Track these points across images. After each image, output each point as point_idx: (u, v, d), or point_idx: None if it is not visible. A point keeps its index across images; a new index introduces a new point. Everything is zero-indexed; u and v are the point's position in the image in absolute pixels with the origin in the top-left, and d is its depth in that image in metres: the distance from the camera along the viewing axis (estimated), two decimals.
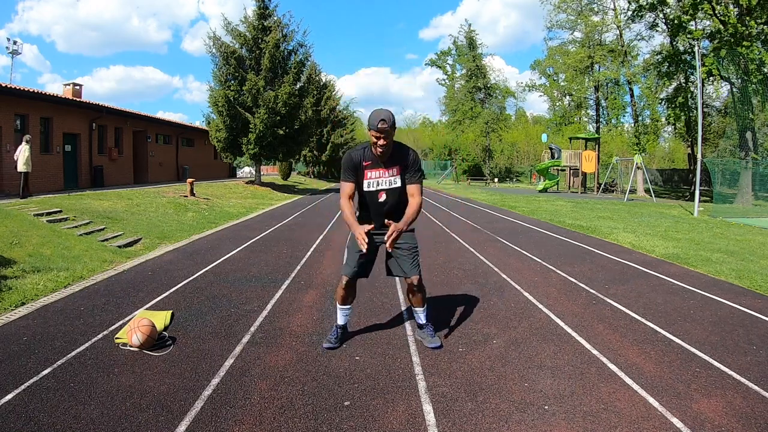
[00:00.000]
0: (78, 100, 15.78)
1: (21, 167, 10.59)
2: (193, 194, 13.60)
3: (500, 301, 4.27)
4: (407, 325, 3.58)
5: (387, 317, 3.79)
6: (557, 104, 36.13)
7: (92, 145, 15.97)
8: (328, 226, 9.56)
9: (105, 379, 2.64)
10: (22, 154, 10.63)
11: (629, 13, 22.42)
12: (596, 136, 27.19)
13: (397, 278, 3.83)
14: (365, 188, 3.04)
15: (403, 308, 4.00)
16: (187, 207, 11.62)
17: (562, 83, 33.65)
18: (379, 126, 2.79)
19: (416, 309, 3.21)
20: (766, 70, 16.44)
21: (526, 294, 4.52)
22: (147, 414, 2.28)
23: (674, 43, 22.26)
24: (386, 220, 2.92)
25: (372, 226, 2.94)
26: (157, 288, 4.62)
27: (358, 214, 3.12)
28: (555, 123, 34.67)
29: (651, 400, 2.45)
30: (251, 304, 4.12)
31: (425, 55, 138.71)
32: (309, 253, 6.52)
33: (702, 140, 14.58)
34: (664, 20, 22.55)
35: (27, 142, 10.79)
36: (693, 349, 3.14)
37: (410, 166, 3.00)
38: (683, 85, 22.20)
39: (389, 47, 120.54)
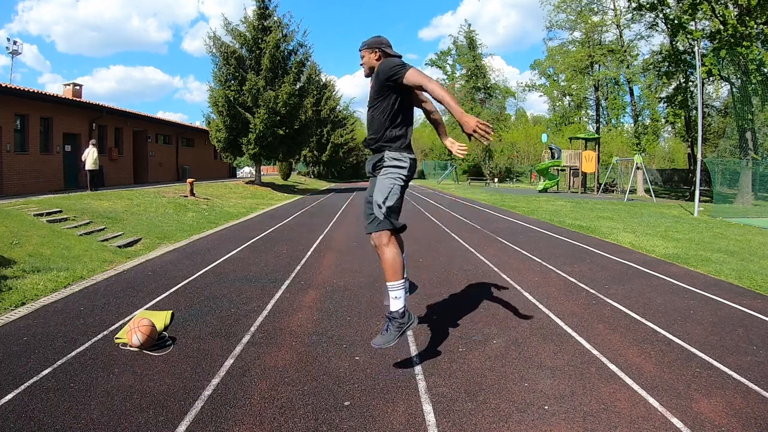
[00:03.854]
0: (78, 100, 15.80)
1: (90, 166, 12.69)
2: (193, 194, 13.60)
3: (500, 301, 4.27)
4: None
5: None
6: (557, 104, 36.12)
7: None
8: (329, 226, 9.56)
9: (105, 379, 2.64)
10: (90, 156, 12.70)
11: (629, 13, 22.44)
12: (596, 136, 27.15)
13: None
14: None
15: None
16: (187, 207, 11.63)
17: (562, 83, 33.64)
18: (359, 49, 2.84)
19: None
20: (765, 70, 16.43)
21: (526, 294, 4.52)
22: (147, 414, 2.28)
23: (674, 43, 22.25)
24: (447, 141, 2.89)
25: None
26: (157, 288, 4.62)
27: None
28: (555, 123, 34.62)
29: (651, 400, 2.45)
30: (251, 304, 4.12)
31: (425, 55, 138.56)
32: (309, 253, 6.52)
33: (702, 140, 14.57)
34: (663, 20, 22.54)
35: (94, 145, 13.01)
36: (693, 349, 3.14)
37: (379, 75, 2.66)
38: (683, 84, 22.19)
39: None
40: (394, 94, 2.68)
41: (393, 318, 2.62)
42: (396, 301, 2.61)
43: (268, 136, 19.95)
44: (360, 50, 2.83)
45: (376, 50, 2.77)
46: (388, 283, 2.63)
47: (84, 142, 15.57)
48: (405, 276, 2.72)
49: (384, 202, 2.65)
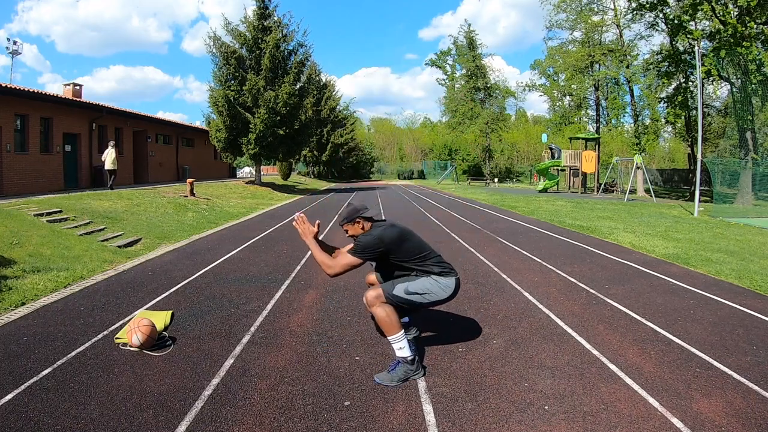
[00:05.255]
0: (78, 100, 15.78)
1: (108, 166, 13.17)
2: (193, 194, 13.60)
3: (500, 301, 4.27)
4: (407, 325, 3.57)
5: None
6: (557, 104, 36.07)
7: (92, 145, 15.97)
8: (329, 226, 9.55)
9: (105, 379, 2.65)
10: (109, 156, 13.16)
11: (629, 13, 22.45)
12: (596, 136, 27.15)
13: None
14: None
15: None
16: (187, 207, 11.62)
17: (562, 83, 33.62)
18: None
19: None
20: (765, 70, 16.42)
21: (526, 294, 4.52)
22: (147, 414, 2.28)
23: (674, 43, 22.25)
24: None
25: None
26: (157, 288, 4.62)
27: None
28: (555, 123, 34.57)
29: (651, 400, 2.45)
30: (251, 304, 4.12)
31: (425, 55, 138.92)
32: (309, 253, 6.52)
33: (702, 140, 14.57)
34: (663, 20, 22.54)
35: (113, 146, 13.45)
36: (693, 349, 3.14)
37: None
38: (683, 84, 22.19)
39: (389, 47, 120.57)
40: (385, 255, 2.79)
41: (403, 363, 2.69)
42: (401, 350, 2.69)
43: (268, 136, 19.95)
44: (342, 226, 2.91)
45: (357, 221, 2.86)
46: (388, 338, 2.71)
47: (84, 142, 15.60)
48: (403, 328, 2.78)
49: (414, 293, 2.75)
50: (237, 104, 19.69)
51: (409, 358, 2.68)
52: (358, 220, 2.86)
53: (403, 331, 2.71)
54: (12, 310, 3.89)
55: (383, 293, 2.71)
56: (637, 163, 21.24)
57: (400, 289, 2.74)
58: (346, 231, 2.90)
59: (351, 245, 2.96)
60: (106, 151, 13.31)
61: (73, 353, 2.99)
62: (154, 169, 20.56)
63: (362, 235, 2.83)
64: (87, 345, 3.14)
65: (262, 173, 24.23)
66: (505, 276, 5.26)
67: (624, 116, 31.14)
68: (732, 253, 6.87)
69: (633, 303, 4.22)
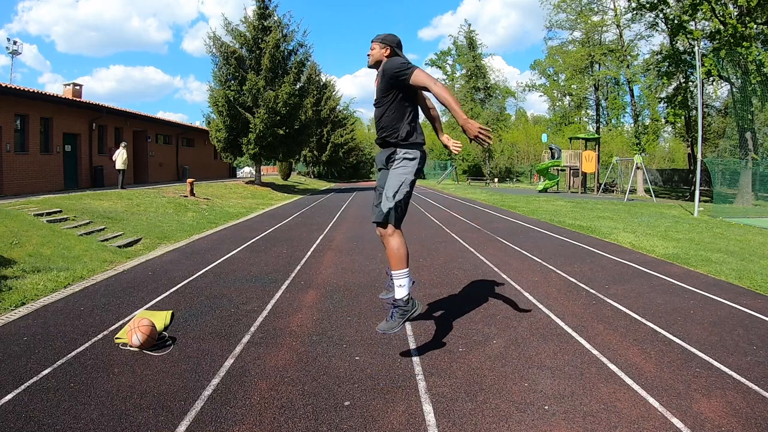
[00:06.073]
0: (78, 100, 15.79)
1: (120, 166, 13.55)
2: (193, 194, 13.60)
3: (500, 301, 4.27)
4: (407, 325, 3.57)
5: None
6: (557, 104, 36.11)
7: (92, 145, 15.98)
8: (328, 226, 9.56)
9: (105, 379, 2.64)
10: (120, 157, 13.53)
11: (629, 13, 22.48)
12: (596, 136, 27.15)
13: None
14: None
15: None
16: (187, 207, 11.62)
17: (562, 83, 33.63)
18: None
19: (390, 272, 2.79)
20: (765, 70, 16.42)
21: (526, 294, 4.51)
22: (147, 414, 2.28)
23: (674, 43, 22.26)
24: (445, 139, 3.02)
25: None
26: (157, 288, 4.62)
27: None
28: (555, 123, 34.60)
29: (651, 400, 2.45)
30: (251, 304, 4.12)
31: (425, 55, 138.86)
32: (309, 253, 6.52)
33: (702, 140, 14.57)
34: (663, 20, 22.54)
35: (124, 147, 13.83)
36: (693, 349, 3.14)
37: (385, 74, 2.74)
38: (683, 84, 22.19)
39: None
40: (400, 92, 2.77)
41: (397, 306, 2.70)
42: (400, 289, 2.71)
43: (268, 136, 19.95)
44: (372, 41, 2.89)
45: (388, 47, 2.84)
46: (392, 272, 2.73)
47: (84, 142, 15.62)
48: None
49: (394, 195, 2.75)
50: (237, 104, 19.70)
51: (405, 298, 2.69)
52: (389, 47, 2.83)
53: (408, 269, 2.73)
54: (12, 310, 3.89)
55: (383, 211, 2.71)
56: (637, 163, 21.24)
57: (389, 192, 2.73)
58: (372, 48, 2.88)
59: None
60: (117, 152, 13.70)
61: (73, 353, 2.99)
62: (154, 169, 20.57)
63: (391, 60, 2.78)
64: (87, 345, 3.14)
65: (262, 173, 24.24)
66: (505, 276, 5.26)
67: (624, 116, 31.20)
68: (732, 253, 6.86)
69: (633, 303, 4.22)
